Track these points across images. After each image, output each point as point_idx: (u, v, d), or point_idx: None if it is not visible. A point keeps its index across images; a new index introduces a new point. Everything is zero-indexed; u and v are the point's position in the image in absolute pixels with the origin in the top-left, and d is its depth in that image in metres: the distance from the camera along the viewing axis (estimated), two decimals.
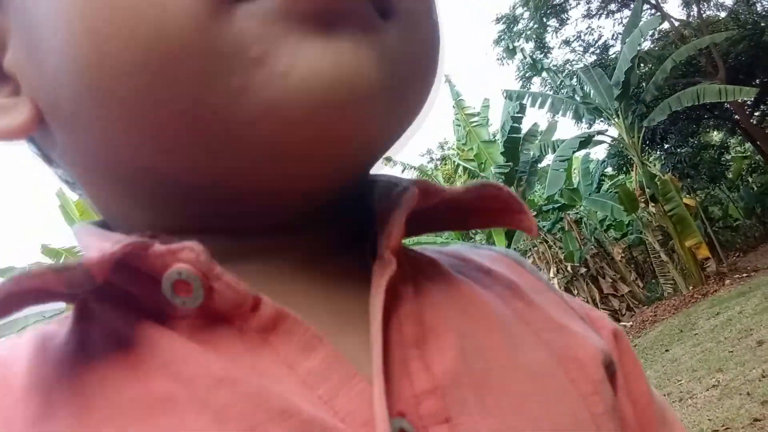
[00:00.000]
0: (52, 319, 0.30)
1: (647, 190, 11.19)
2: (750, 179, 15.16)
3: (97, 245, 0.27)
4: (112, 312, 0.28)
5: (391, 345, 0.28)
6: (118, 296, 0.28)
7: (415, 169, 13.74)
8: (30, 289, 0.25)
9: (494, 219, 0.36)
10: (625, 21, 13.66)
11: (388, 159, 12.60)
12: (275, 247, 0.31)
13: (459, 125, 13.64)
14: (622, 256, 12.08)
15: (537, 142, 11.97)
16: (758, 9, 12.82)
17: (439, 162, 23.44)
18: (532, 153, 11.78)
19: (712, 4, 13.86)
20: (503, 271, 0.39)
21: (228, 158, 0.28)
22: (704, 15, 13.95)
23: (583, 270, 11.24)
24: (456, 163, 13.03)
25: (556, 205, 12.73)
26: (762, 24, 12.39)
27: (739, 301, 7.95)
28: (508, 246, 12.58)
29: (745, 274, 10.14)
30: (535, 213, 11.97)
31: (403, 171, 13.16)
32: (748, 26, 12.38)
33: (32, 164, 0.34)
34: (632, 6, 13.54)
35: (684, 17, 14.07)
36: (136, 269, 0.27)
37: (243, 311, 0.27)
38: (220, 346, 0.27)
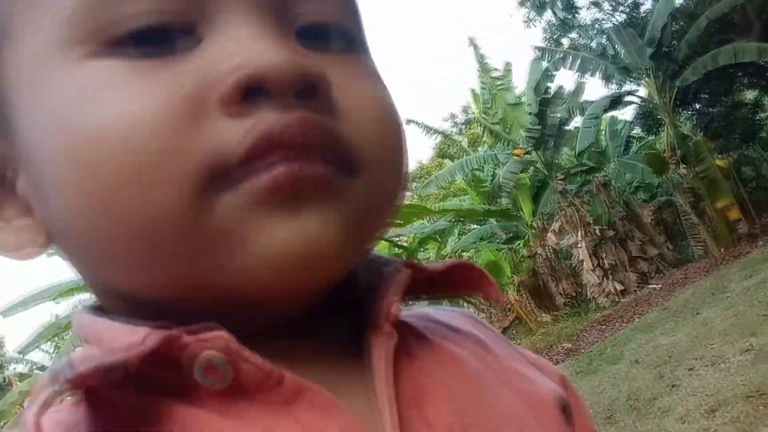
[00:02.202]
0: (61, 407, 0.31)
1: (678, 151, 10.99)
2: None
3: (123, 339, 0.30)
4: (131, 396, 0.30)
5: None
6: (135, 380, 0.30)
7: (439, 133, 13.61)
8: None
9: (467, 290, 0.42)
10: None
11: (409, 121, 12.48)
12: (274, 327, 0.35)
13: (484, 89, 13.43)
14: (651, 219, 11.93)
15: (564, 105, 11.77)
16: None
17: (463, 126, 23.17)
18: (559, 115, 11.61)
19: None
20: (470, 328, 0.44)
21: (211, 304, 0.32)
22: None
23: (611, 233, 11.14)
24: (484, 127, 12.87)
25: (584, 168, 12.58)
26: None
27: None
28: (536, 209, 12.51)
29: None
30: (563, 176, 11.84)
31: (427, 134, 13.04)
32: None
33: None
34: None
35: None
36: (160, 354, 0.29)
37: (268, 386, 0.30)
38: (245, 417, 0.30)
